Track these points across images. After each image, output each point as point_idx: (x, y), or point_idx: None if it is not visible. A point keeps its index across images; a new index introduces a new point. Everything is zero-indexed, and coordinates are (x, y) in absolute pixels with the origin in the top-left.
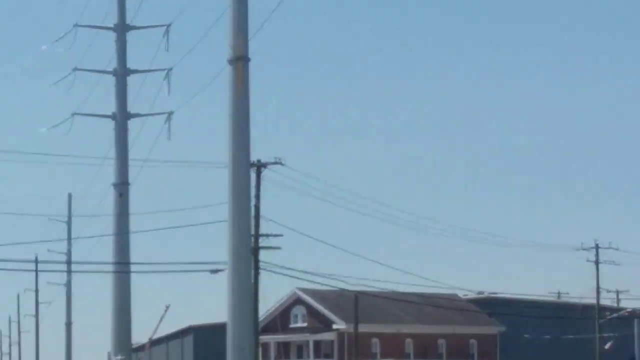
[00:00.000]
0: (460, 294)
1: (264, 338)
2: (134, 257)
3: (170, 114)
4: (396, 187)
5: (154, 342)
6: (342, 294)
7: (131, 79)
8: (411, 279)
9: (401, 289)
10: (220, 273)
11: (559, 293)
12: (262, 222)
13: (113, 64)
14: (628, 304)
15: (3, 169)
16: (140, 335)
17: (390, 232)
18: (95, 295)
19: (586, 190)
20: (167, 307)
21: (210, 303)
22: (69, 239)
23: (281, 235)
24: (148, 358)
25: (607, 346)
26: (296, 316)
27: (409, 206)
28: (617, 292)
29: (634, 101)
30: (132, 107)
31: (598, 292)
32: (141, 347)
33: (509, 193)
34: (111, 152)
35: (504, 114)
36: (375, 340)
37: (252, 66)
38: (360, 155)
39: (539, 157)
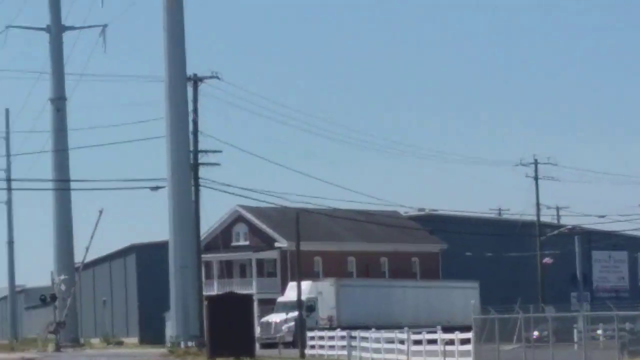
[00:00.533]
0: (402, 211)
1: (206, 257)
2: (73, 174)
3: (104, 27)
4: (334, 100)
5: (97, 262)
6: (283, 211)
7: None
8: (352, 196)
9: (343, 206)
10: (160, 190)
11: (499, 210)
12: (201, 138)
13: None
14: (568, 220)
15: None
16: (81, 255)
17: (331, 148)
18: (36, 214)
19: (525, 106)
20: (101, 211)
21: (151, 221)
22: (8, 155)
23: (220, 152)
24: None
25: (545, 260)
26: (238, 234)
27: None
28: (558, 209)
29: (575, 19)
30: (66, 20)
31: (538, 208)
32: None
33: (448, 109)
34: (47, 66)
35: (444, 25)
36: (317, 259)
37: None
38: (300, 69)
39: (478, 72)
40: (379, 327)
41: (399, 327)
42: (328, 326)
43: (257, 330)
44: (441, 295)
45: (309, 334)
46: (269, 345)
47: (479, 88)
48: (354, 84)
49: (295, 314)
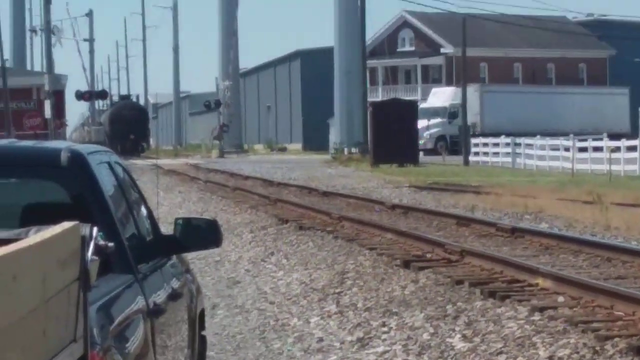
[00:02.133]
0: (570, 16)
1: (371, 62)
2: None
3: None
4: None
5: (261, 67)
6: (450, 17)
7: None
8: (520, 1)
9: (510, 11)
10: None
11: None
12: None
13: None
14: None
15: None
16: (247, 61)
17: None
18: (202, 19)
19: None
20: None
21: (318, 27)
22: None
23: None
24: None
25: None
26: (404, 40)
27: None
28: None
29: None
30: None
31: None
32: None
33: None
34: None
35: None
36: (483, 65)
37: None
38: None
39: None
40: (521, 135)
41: (548, 134)
42: (472, 133)
43: None
44: (604, 102)
45: (473, 140)
46: None
47: None
48: None
49: (438, 120)
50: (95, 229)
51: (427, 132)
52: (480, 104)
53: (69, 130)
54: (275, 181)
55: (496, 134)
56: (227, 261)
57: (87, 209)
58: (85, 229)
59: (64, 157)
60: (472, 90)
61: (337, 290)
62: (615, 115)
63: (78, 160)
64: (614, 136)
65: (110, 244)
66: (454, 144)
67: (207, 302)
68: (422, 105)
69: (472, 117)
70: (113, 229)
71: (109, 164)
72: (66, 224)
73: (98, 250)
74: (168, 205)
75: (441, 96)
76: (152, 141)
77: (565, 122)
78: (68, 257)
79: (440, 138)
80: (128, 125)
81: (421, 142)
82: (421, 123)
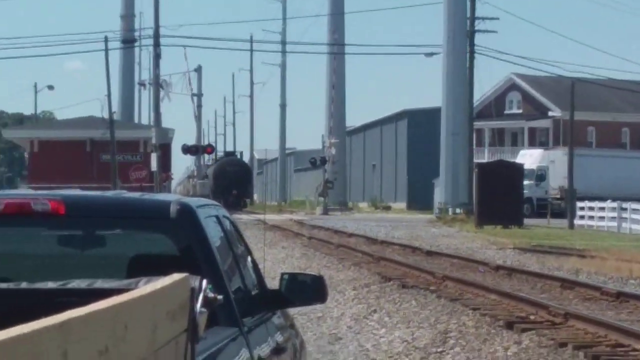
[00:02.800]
0: None
1: (478, 124)
2: (349, 38)
3: None
4: None
5: (368, 126)
6: (558, 80)
7: None
8: (631, 67)
9: (619, 76)
10: (435, 56)
11: None
12: (478, 5)
13: None
14: None
15: None
16: (354, 119)
17: (611, 17)
18: (310, 77)
19: None
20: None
21: (424, 87)
22: (284, 18)
23: (497, 19)
24: None
25: None
26: (511, 102)
27: None
28: None
29: None
30: None
31: None
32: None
33: None
34: None
35: None
36: (591, 129)
37: None
38: None
39: None
40: (614, 199)
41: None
42: (558, 196)
43: None
44: None
45: (579, 204)
46: None
47: None
48: None
49: (525, 182)
50: (204, 282)
51: None
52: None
53: (174, 183)
54: (379, 239)
55: (582, 198)
56: (329, 317)
57: (195, 262)
58: (194, 281)
59: (173, 209)
60: (561, 153)
61: (439, 350)
62: None
63: (187, 214)
64: None
65: (219, 297)
66: (541, 206)
67: (309, 358)
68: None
69: (560, 180)
70: (220, 282)
71: (217, 217)
72: (176, 276)
73: (207, 302)
74: (271, 261)
75: (529, 158)
76: (256, 196)
77: None
78: (178, 308)
79: (527, 200)
80: (231, 181)
81: None
82: None
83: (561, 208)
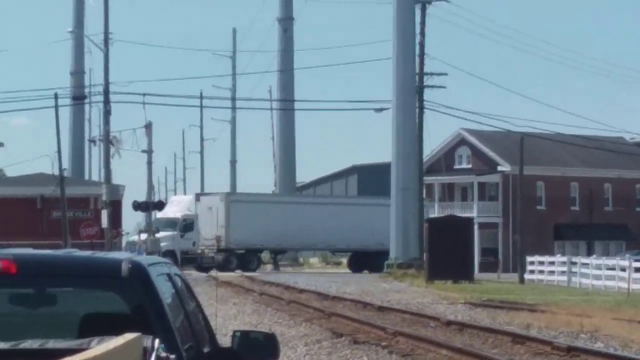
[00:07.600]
0: (628, 137)
1: (428, 179)
2: (298, 94)
3: None
4: (567, 27)
5: (319, 181)
6: (507, 135)
7: None
8: (578, 121)
9: (567, 131)
10: (384, 112)
11: None
12: (426, 61)
13: None
14: None
15: (168, 5)
16: (304, 174)
17: (558, 73)
18: (259, 132)
19: None
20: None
21: (374, 142)
22: (234, 74)
23: (446, 74)
24: None
25: None
26: (461, 157)
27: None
28: None
29: None
30: None
31: None
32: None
33: None
34: None
35: None
36: (540, 184)
37: None
38: None
39: None
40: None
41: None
42: (216, 248)
43: None
44: None
45: (529, 258)
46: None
47: None
48: (583, 6)
49: (167, 233)
50: (157, 341)
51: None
52: (225, 215)
53: (124, 240)
54: (330, 295)
55: (242, 249)
56: None
57: (147, 321)
58: (147, 341)
59: (124, 268)
60: (218, 200)
61: None
62: None
63: (139, 272)
64: None
65: (172, 356)
66: (188, 260)
67: None
68: (159, 215)
69: (218, 229)
70: (173, 341)
71: (168, 275)
72: (128, 335)
73: None
74: (223, 317)
75: (176, 206)
76: None
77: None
78: None
79: (169, 253)
80: None
81: None
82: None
83: (215, 262)
